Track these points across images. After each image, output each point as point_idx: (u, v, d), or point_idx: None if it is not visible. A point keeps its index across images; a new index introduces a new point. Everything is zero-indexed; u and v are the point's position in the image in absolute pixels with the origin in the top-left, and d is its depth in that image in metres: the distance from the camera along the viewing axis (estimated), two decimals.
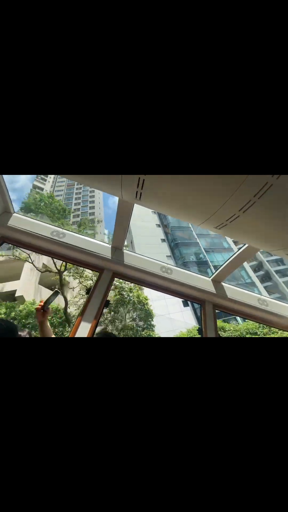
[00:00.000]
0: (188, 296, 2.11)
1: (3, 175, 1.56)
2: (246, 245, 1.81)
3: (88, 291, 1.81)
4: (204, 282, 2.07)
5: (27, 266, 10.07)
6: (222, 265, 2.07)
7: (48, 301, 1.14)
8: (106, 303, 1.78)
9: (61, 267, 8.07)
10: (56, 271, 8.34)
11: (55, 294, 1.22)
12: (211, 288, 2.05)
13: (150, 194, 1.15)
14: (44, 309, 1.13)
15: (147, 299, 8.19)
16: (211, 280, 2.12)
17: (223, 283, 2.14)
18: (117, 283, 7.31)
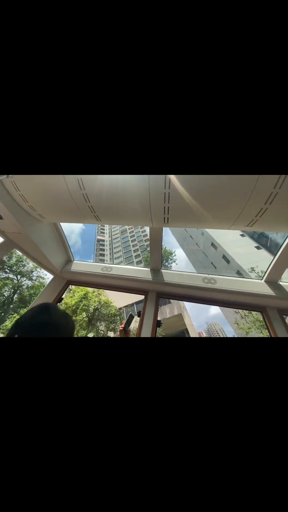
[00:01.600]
0: (243, 305, 1.92)
1: (64, 232, 2.17)
2: None
3: (139, 314, 1.95)
4: (258, 285, 1.87)
5: None
6: (270, 264, 1.87)
7: (127, 323, 1.37)
8: (158, 323, 1.85)
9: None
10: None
11: (131, 317, 1.45)
12: (268, 291, 1.81)
13: (176, 216, 1.33)
14: (125, 330, 1.34)
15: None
16: (265, 282, 1.89)
17: (281, 283, 1.86)
18: None
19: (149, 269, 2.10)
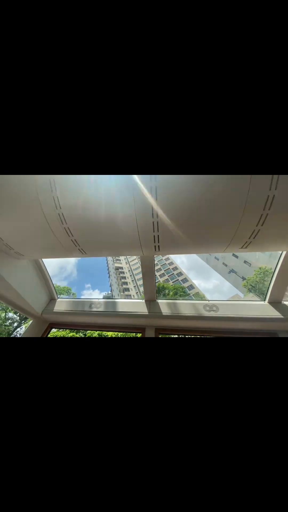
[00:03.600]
0: (250, 333, 1.72)
1: (47, 268, 1.95)
2: (284, 254, 1.62)
3: None
4: (261, 308, 1.73)
5: None
6: (269, 286, 1.79)
7: None
8: None
9: None
10: None
11: None
12: (275, 313, 1.67)
13: (167, 243, 1.26)
14: None
15: None
16: (268, 303, 1.77)
17: (285, 302, 1.75)
18: None
19: (144, 300, 1.89)
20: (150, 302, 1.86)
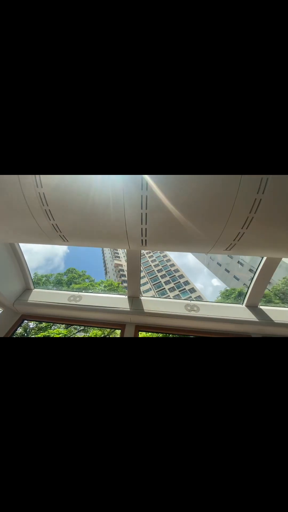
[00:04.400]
0: (227, 334, 1.78)
1: (24, 255, 1.79)
2: (264, 259, 1.70)
3: None
4: (240, 311, 1.81)
5: None
6: (248, 290, 1.87)
7: None
8: None
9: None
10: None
11: None
12: (250, 316, 1.75)
13: (154, 238, 1.24)
14: None
15: None
16: (246, 306, 1.85)
17: (261, 307, 1.85)
18: None
19: (126, 296, 1.85)
20: (133, 298, 1.82)
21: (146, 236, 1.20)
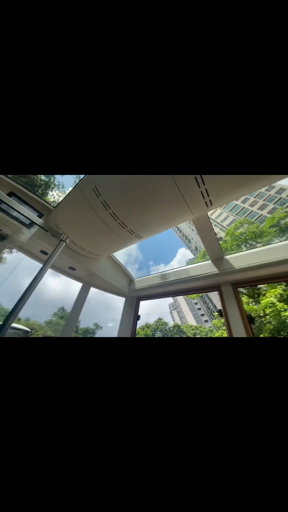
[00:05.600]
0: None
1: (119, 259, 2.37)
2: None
3: (220, 312, 1.74)
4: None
5: None
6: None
7: None
8: (250, 319, 1.57)
9: None
10: None
11: None
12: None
13: (219, 192, 1.12)
14: None
15: None
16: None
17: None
18: None
19: (210, 261, 1.88)
20: (218, 260, 1.82)
21: (208, 196, 1.14)
